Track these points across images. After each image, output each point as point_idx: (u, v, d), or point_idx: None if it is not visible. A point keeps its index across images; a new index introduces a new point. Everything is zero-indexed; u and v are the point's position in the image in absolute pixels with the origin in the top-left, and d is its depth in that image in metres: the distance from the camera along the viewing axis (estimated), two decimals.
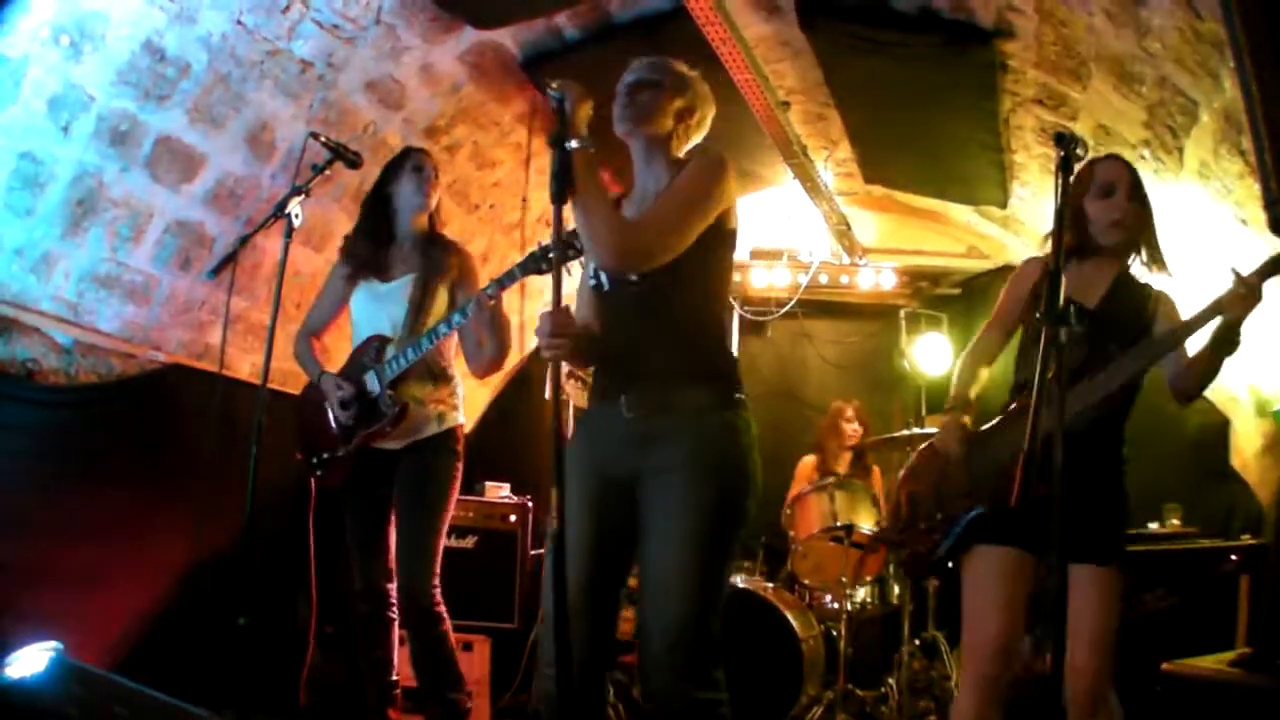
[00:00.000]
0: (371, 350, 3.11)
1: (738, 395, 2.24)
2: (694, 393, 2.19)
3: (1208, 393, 4.36)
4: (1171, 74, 2.92)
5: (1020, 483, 1.82)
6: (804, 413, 6.00)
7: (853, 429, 5.26)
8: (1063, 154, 1.99)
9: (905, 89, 4.02)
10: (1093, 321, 2.29)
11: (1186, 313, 2.32)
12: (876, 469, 5.33)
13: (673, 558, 2.09)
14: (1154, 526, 3.86)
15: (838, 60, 4.05)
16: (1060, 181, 2.00)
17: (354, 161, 2.91)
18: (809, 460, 5.37)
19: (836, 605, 4.35)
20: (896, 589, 4.50)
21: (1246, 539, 3.55)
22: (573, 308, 2.27)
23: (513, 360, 5.65)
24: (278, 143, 3.64)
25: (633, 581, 2.26)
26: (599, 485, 2.22)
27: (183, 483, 3.63)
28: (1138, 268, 2.47)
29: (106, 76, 3.00)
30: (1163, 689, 1.60)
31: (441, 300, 3.16)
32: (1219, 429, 4.37)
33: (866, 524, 4.32)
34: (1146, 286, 2.47)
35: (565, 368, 3.71)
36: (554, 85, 2.05)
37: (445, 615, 3.06)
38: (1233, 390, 4.11)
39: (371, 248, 3.20)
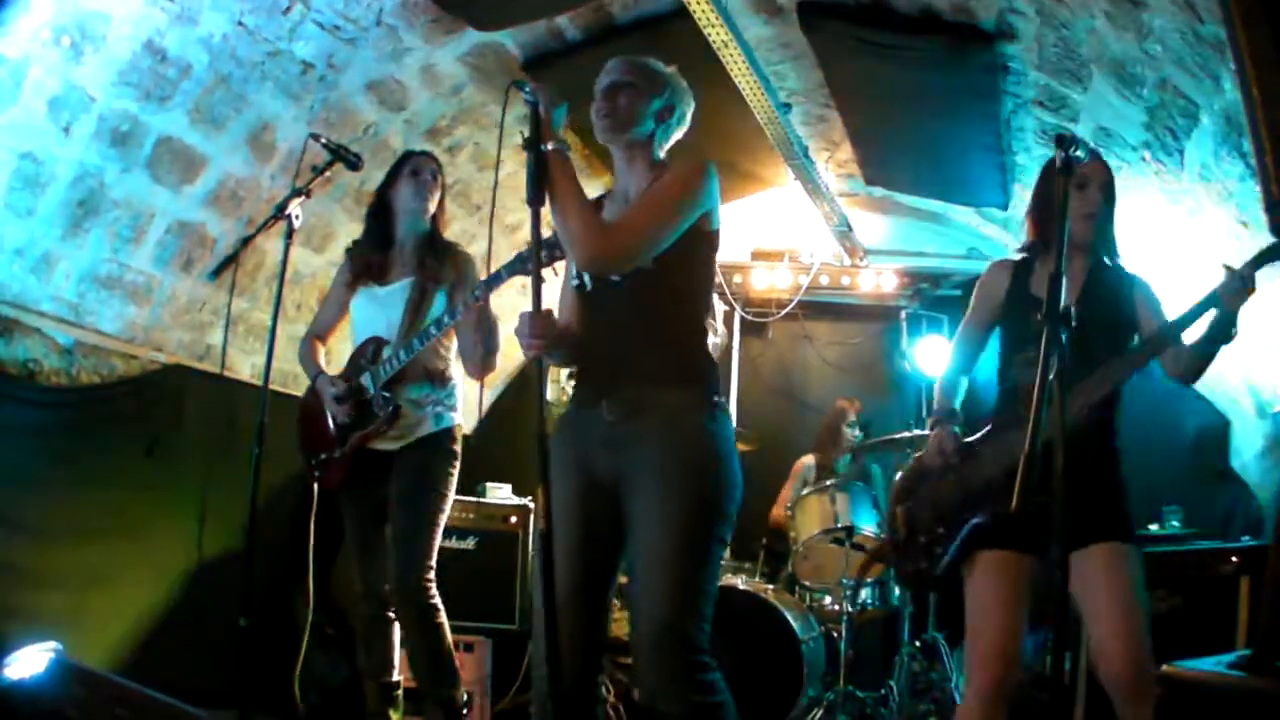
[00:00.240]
0: (368, 352, 3.12)
1: (716, 397, 2.25)
2: (672, 395, 2.19)
3: (1208, 394, 4.40)
4: (1172, 76, 2.92)
5: (1020, 490, 1.82)
6: (804, 414, 6.00)
7: (852, 434, 5.27)
8: (1064, 156, 1.99)
9: (906, 91, 4.02)
10: (1075, 318, 2.30)
11: (1164, 299, 2.35)
12: (877, 469, 5.34)
13: (654, 560, 2.09)
14: (1154, 528, 3.86)
15: (839, 62, 4.05)
16: (1061, 184, 2.00)
17: (354, 163, 2.92)
18: (806, 459, 5.37)
19: (837, 607, 4.34)
20: (897, 591, 4.51)
21: (1247, 540, 3.55)
22: (555, 309, 2.27)
23: (514, 362, 5.66)
24: (278, 144, 3.64)
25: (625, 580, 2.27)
26: (584, 486, 2.22)
27: (183, 484, 3.64)
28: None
29: (107, 77, 3.00)
30: (1162, 691, 1.60)
31: (439, 303, 3.17)
32: (1219, 430, 4.37)
33: (868, 525, 4.33)
34: (1120, 271, 2.49)
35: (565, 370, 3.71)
36: (528, 88, 2.06)
37: (440, 609, 3.06)
38: (1233, 391, 4.11)
39: (373, 252, 3.21)
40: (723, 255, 2.41)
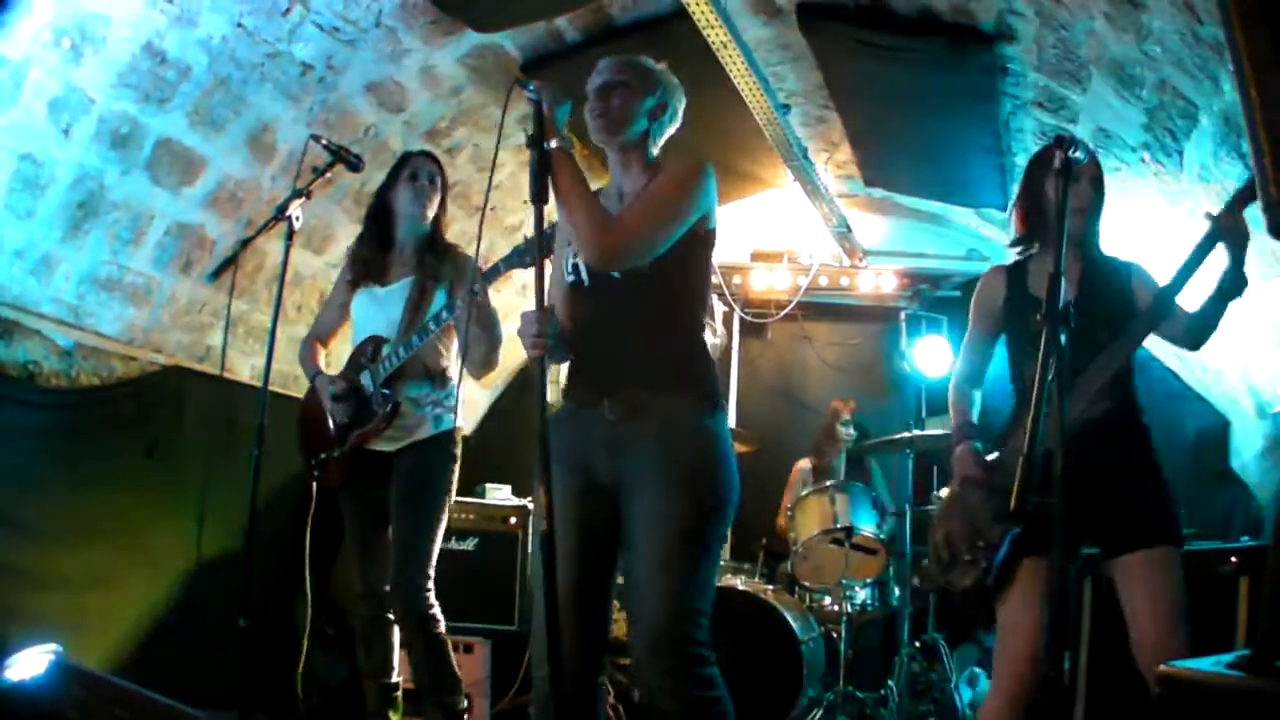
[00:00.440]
0: (368, 350, 3.12)
1: (714, 398, 2.25)
2: (671, 396, 2.19)
3: (1208, 394, 4.40)
4: (1171, 77, 2.92)
5: (1019, 492, 1.83)
6: (804, 415, 6.00)
7: (847, 433, 5.27)
8: (1063, 157, 1.99)
9: (905, 92, 4.02)
10: (1076, 312, 2.31)
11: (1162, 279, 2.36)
12: (878, 469, 5.34)
13: (653, 561, 2.10)
14: None
15: (838, 63, 4.05)
16: (1061, 184, 2.00)
17: (355, 164, 2.91)
18: (802, 464, 5.37)
19: (836, 607, 4.35)
20: (897, 591, 4.51)
21: (1246, 541, 3.55)
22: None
23: (514, 362, 5.66)
24: (278, 145, 3.65)
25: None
26: (583, 487, 2.22)
27: (183, 485, 3.64)
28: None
29: (107, 79, 3.01)
30: (1161, 691, 1.60)
31: (439, 300, 3.17)
32: (1219, 431, 4.37)
33: (868, 526, 4.33)
34: (1115, 262, 2.49)
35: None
36: (531, 86, 2.06)
37: (440, 618, 3.06)
38: (1233, 392, 4.11)
39: (373, 254, 3.21)
40: (722, 256, 2.41)
